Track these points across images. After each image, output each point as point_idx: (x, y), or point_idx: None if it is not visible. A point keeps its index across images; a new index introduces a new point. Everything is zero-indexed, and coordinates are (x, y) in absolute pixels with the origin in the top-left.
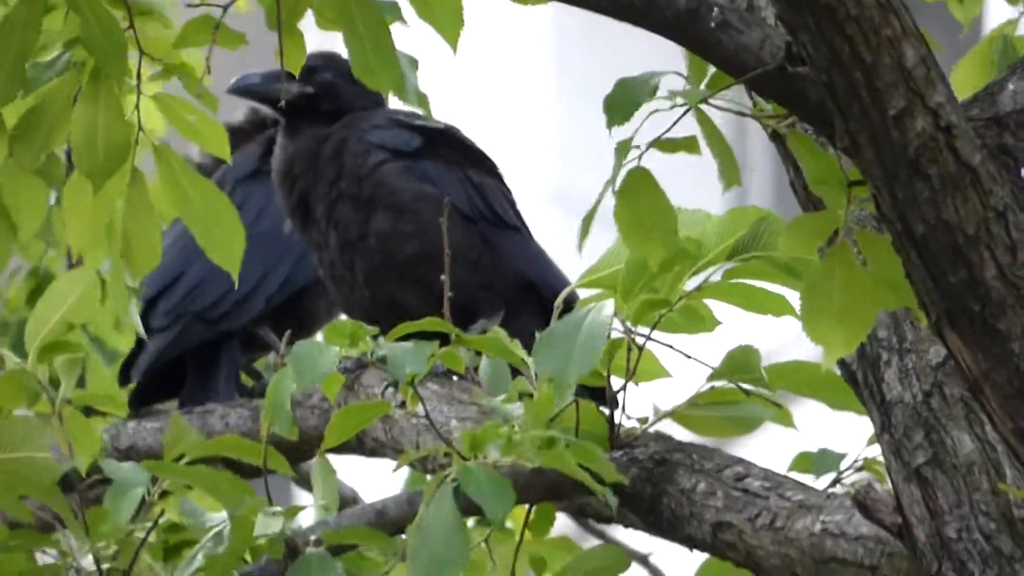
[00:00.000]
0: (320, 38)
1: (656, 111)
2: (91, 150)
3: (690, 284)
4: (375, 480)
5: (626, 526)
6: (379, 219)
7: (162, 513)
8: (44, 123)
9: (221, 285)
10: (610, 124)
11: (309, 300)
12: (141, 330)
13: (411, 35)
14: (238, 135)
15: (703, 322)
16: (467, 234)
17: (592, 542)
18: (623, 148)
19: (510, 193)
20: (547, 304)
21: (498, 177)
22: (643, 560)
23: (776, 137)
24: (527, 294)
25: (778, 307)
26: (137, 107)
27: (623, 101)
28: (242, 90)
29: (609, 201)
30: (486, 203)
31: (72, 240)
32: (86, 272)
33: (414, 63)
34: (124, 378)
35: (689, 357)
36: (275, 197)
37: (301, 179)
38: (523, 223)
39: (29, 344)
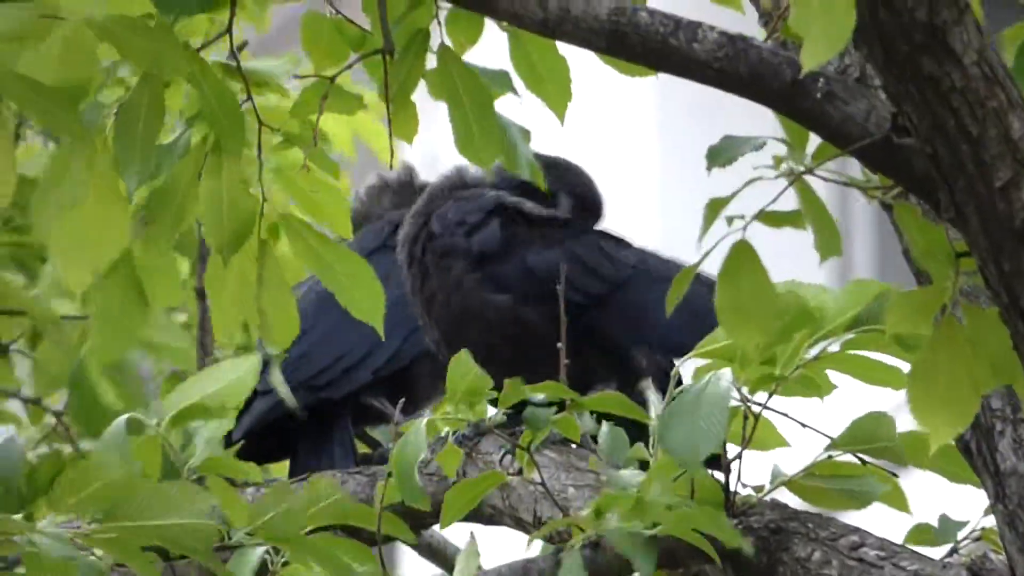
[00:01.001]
0: (436, 108)
1: (760, 178)
2: (218, 223)
3: (809, 355)
4: (496, 545)
5: None
6: (473, 333)
7: None
8: (173, 202)
9: (329, 354)
10: (710, 167)
11: (414, 374)
12: (291, 399)
13: (514, 102)
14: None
15: (819, 387)
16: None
17: None
18: (715, 206)
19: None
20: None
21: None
22: None
23: (886, 208)
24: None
25: (895, 380)
26: (260, 178)
27: (726, 150)
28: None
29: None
30: (576, 280)
31: (221, 325)
32: (252, 358)
33: (526, 134)
34: (226, 440)
35: (805, 426)
36: (395, 272)
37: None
38: (607, 278)
39: (167, 411)
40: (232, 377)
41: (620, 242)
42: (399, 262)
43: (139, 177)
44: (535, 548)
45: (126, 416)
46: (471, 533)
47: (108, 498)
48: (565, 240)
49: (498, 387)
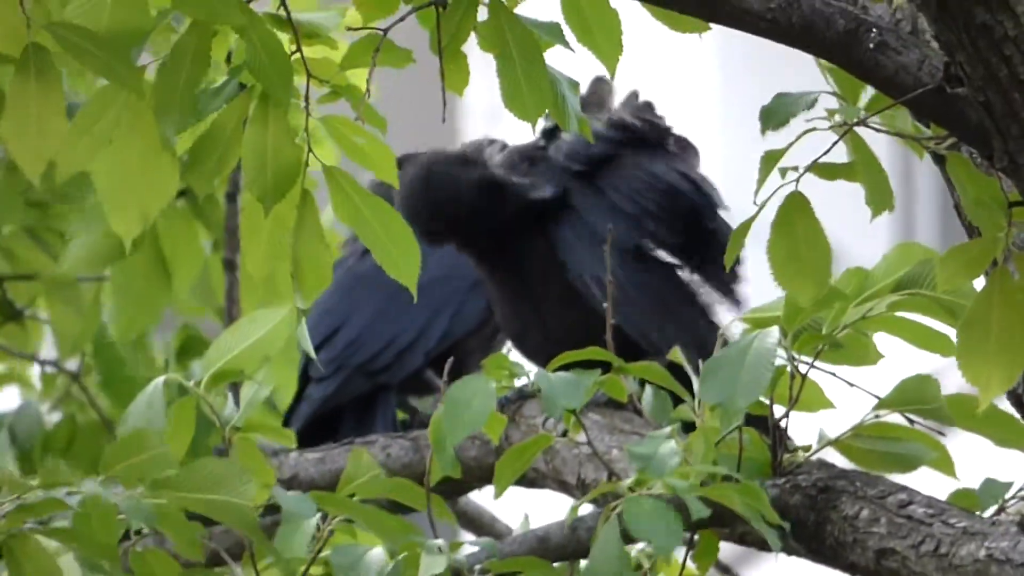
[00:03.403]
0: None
1: (813, 130)
2: (261, 173)
3: (854, 316)
4: (535, 510)
5: (788, 554)
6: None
7: (323, 543)
8: (216, 149)
9: (381, 337)
10: (764, 129)
11: (463, 354)
12: (311, 351)
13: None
14: None
15: (866, 354)
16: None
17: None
18: (771, 159)
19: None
20: None
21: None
22: None
23: (939, 160)
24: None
25: (941, 346)
26: (306, 129)
27: (779, 109)
28: None
29: (767, 216)
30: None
31: (251, 270)
32: (281, 308)
33: (574, 86)
34: (286, 424)
35: (852, 385)
36: (434, 250)
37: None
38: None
39: (205, 371)
40: (265, 330)
41: None
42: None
43: (177, 125)
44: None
45: (163, 378)
46: (525, 514)
47: (153, 470)
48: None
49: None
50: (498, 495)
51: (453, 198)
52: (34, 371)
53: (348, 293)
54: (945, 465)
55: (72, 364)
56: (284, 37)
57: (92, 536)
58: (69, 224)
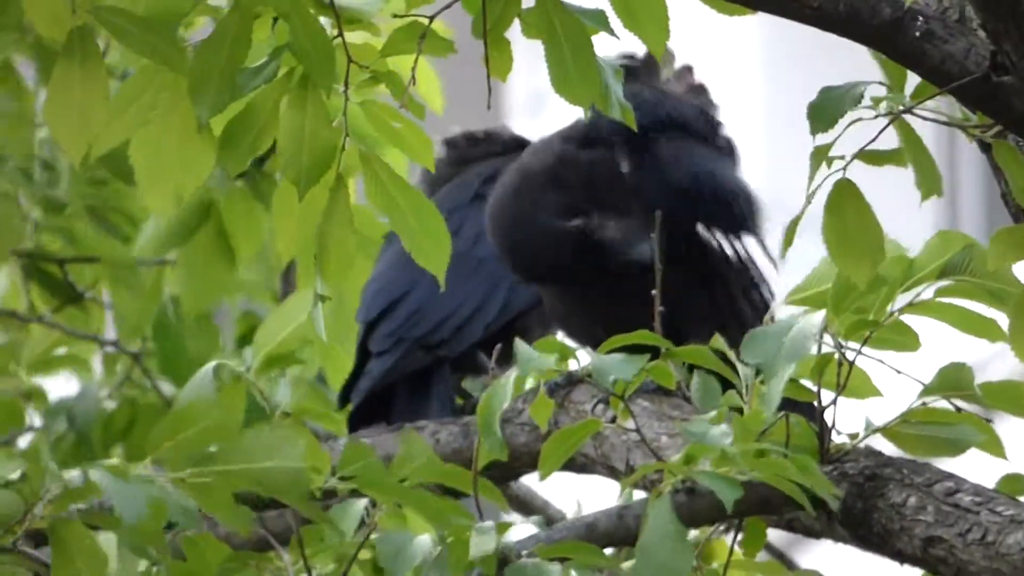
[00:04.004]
0: (530, 47)
1: (859, 120)
2: (296, 156)
3: (898, 303)
4: (586, 496)
5: (835, 541)
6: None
7: (373, 529)
8: (251, 129)
9: (441, 310)
10: (814, 131)
11: (523, 327)
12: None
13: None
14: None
15: (909, 341)
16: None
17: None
18: (820, 153)
19: None
20: None
21: None
22: None
23: (985, 148)
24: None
25: (989, 331)
26: (344, 113)
27: (827, 108)
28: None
29: (815, 210)
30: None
31: (280, 249)
32: (311, 294)
33: (619, 72)
34: (343, 401)
35: (900, 372)
36: None
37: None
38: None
39: (255, 357)
40: (303, 316)
41: None
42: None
43: (212, 106)
44: (612, 488)
45: (214, 363)
46: (577, 502)
47: (201, 443)
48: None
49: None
50: (543, 477)
51: (551, 253)
52: (95, 355)
53: (408, 265)
54: (994, 446)
55: (133, 347)
56: (326, 21)
57: (139, 525)
58: (129, 203)
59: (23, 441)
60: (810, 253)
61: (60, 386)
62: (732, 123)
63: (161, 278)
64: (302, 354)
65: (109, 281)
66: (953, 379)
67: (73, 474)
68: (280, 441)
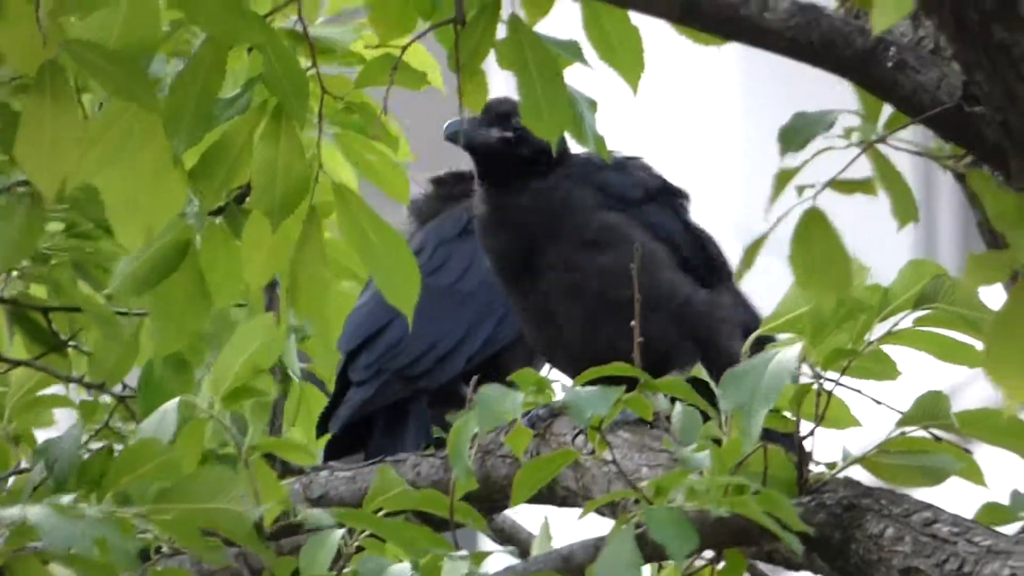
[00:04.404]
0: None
1: (830, 148)
2: (270, 188)
3: (876, 332)
4: (570, 530)
5: (814, 572)
6: (602, 260)
7: (348, 560)
8: (225, 160)
9: (422, 342)
10: (783, 152)
11: (506, 361)
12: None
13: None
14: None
15: (888, 370)
16: (678, 283)
17: None
18: (785, 177)
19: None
20: None
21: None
22: None
23: (960, 177)
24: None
25: (967, 357)
26: (318, 145)
27: (798, 131)
28: (451, 136)
29: (786, 233)
30: (705, 253)
31: (249, 279)
32: (267, 318)
33: (593, 105)
34: (321, 429)
35: (879, 403)
36: (478, 257)
37: (520, 231)
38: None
39: (216, 389)
40: (257, 344)
41: None
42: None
43: (187, 139)
44: (599, 524)
45: (177, 400)
46: (545, 517)
47: (155, 480)
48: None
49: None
50: (514, 504)
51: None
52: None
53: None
54: (973, 474)
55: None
56: (300, 53)
57: (91, 560)
58: (111, 259)
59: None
60: (778, 273)
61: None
62: (710, 150)
63: (141, 330)
64: (258, 383)
65: (89, 330)
66: (930, 408)
67: (12, 511)
68: (222, 483)
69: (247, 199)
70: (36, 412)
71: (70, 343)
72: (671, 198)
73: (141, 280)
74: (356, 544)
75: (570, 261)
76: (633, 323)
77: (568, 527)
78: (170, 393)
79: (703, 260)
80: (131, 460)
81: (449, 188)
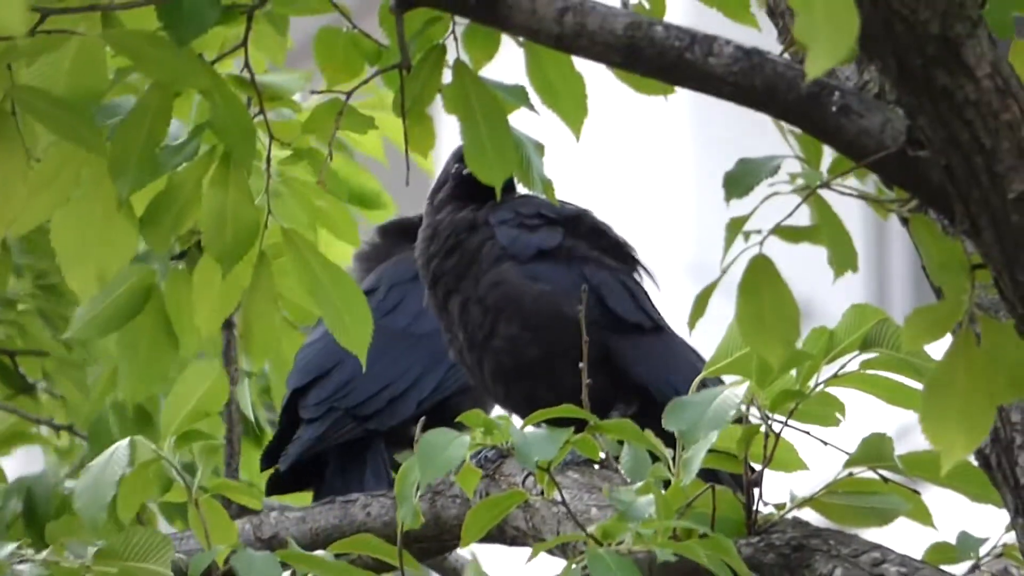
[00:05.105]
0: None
1: (776, 194)
2: (220, 233)
3: (826, 374)
4: (521, 570)
5: None
6: (502, 326)
7: None
8: (174, 206)
9: (374, 383)
10: (728, 198)
11: (457, 404)
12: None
13: (541, 115)
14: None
15: (835, 412)
16: (579, 337)
17: None
18: (735, 225)
19: (638, 283)
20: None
21: (631, 262)
22: None
23: (905, 222)
24: (645, 397)
25: (913, 401)
26: (267, 190)
27: (743, 177)
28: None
29: (735, 272)
30: (602, 305)
31: (200, 323)
32: (215, 362)
33: (540, 148)
34: (266, 463)
35: (826, 444)
36: None
37: (433, 260)
38: (649, 316)
39: (164, 432)
40: (204, 386)
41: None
42: (421, 275)
43: (132, 183)
44: (549, 564)
45: (127, 440)
46: (472, 552)
47: (88, 541)
48: (618, 271)
49: (517, 399)
50: (464, 545)
51: None
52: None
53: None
54: (921, 515)
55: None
56: (247, 99)
57: None
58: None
59: None
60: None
61: (18, 466)
62: (662, 192)
63: (112, 377)
64: (203, 426)
65: (57, 376)
66: (875, 450)
67: None
68: (153, 545)
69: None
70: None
71: (40, 385)
72: (577, 243)
73: (104, 324)
74: None
75: (473, 322)
76: (582, 364)
77: (518, 565)
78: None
79: (600, 315)
80: (68, 525)
81: (393, 237)
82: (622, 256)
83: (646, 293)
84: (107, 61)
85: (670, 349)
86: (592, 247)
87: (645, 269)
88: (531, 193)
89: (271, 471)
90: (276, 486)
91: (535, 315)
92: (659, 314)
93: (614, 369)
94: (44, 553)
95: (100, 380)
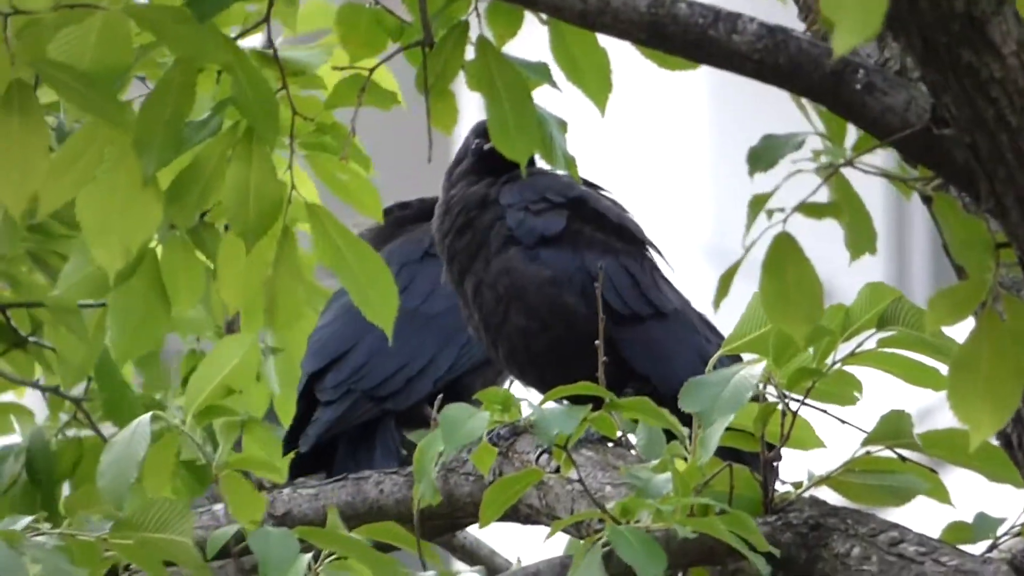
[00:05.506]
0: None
1: (800, 171)
2: (243, 209)
3: (843, 352)
4: (532, 547)
5: None
6: (512, 316)
7: None
8: (198, 183)
9: (390, 364)
10: (751, 172)
11: (471, 382)
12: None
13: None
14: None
15: (852, 390)
16: (585, 327)
17: None
18: (758, 202)
19: (644, 265)
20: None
21: (638, 244)
22: None
23: (927, 201)
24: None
25: (932, 380)
26: (290, 166)
27: (767, 152)
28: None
29: (756, 253)
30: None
31: (226, 298)
32: (245, 337)
33: (563, 125)
34: (287, 447)
35: (844, 422)
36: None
37: (447, 236)
38: (650, 302)
39: (188, 407)
40: (234, 362)
41: (669, 282)
42: (437, 250)
43: (158, 161)
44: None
45: (149, 414)
46: (518, 558)
47: (109, 514)
48: (621, 254)
49: (533, 381)
50: (483, 525)
51: None
52: (39, 401)
53: (357, 317)
54: (940, 494)
55: (75, 392)
56: (270, 75)
57: None
58: (68, 248)
59: None
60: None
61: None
62: (679, 172)
63: (103, 321)
64: (231, 402)
65: (51, 326)
66: (894, 428)
67: None
68: (174, 515)
69: (207, 212)
70: None
71: (31, 339)
72: (583, 227)
73: (96, 283)
74: (321, 566)
75: (487, 307)
76: (598, 342)
77: (529, 542)
78: (128, 389)
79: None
80: (87, 496)
81: (396, 217)
82: (629, 237)
83: (654, 273)
84: (132, 37)
85: (671, 335)
86: (597, 229)
87: (655, 248)
88: (547, 169)
89: (291, 455)
90: (297, 469)
91: (540, 307)
92: (666, 295)
93: (618, 358)
94: (63, 526)
95: (92, 322)
